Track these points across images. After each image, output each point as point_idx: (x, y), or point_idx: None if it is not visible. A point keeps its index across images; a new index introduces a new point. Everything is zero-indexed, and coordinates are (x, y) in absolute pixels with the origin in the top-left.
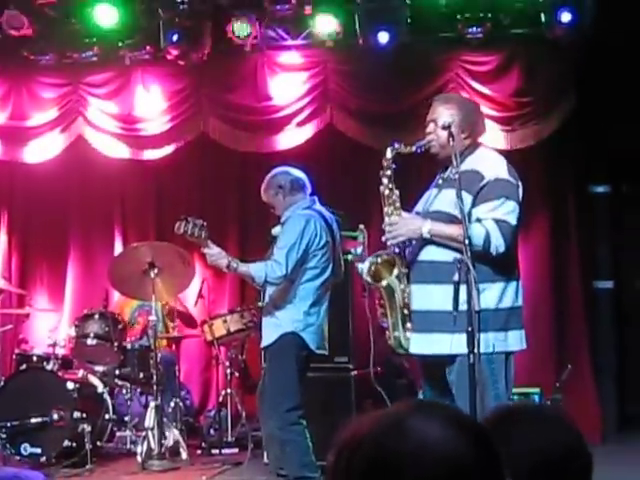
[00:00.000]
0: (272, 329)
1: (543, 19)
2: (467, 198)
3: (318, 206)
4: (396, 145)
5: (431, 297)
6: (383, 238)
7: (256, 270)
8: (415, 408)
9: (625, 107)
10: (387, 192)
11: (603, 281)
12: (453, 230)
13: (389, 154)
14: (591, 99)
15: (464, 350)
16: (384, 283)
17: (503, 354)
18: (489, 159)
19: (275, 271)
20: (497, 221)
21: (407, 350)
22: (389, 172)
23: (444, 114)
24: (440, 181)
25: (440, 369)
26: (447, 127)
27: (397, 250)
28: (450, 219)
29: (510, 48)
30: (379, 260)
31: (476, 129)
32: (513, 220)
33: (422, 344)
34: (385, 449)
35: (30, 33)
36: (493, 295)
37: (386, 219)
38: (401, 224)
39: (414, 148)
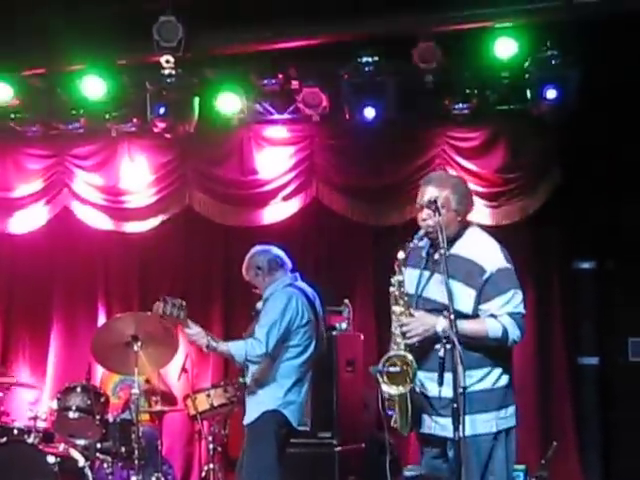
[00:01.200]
0: (254, 407)
1: (529, 96)
2: (467, 291)
3: (300, 283)
4: (400, 255)
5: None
6: (395, 331)
7: (236, 349)
8: None
9: (610, 183)
10: (397, 293)
11: (588, 357)
12: (467, 326)
13: (401, 255)
14: (575, 176)
15: (467, 432)
16: (398, 393)
17: (503, 431)
18: (483, 246)
19: (255, 349)
20: (511, 315)
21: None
22: (400, 277)
23: (437, 195)
24: (430, 263)
25: (441, 444)
26: (433, 202)
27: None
28: (455, 313)
29: (496, 124)
30: (397, 370)
31: (468, 210)
32: (524, 309)
33: (434, 425)
34: None
35: (17, 103)
36: (492, 376)
37: (395, 318)
38: (416, 324)
39: (416, 242)
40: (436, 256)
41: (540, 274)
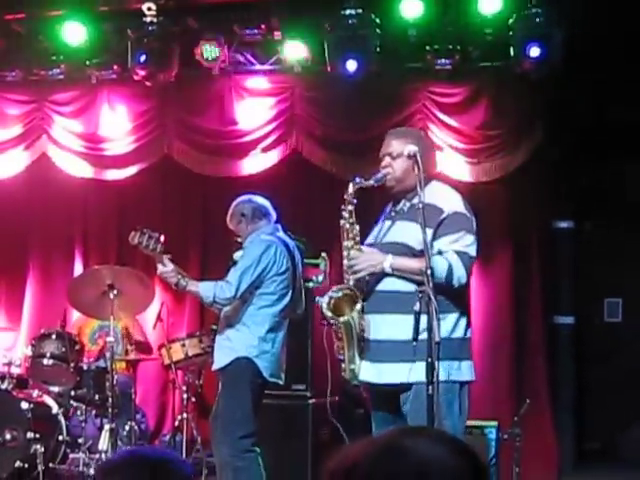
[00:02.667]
0: (225, 352)
1: (512, 53)
2: (427, 231)
3: (281, 233)
4: (357, 180)
5: (388, 327)
6: (344, 274)
7: (205, 289)
8: (405, 432)
9: (593, 144)
10: (347, 226)
11: (564, 316)
12: (414, 263)
13: (351, 189)
14: (557, 134)
15: (421, 379)
16: (343, 319)
17: (457, 383)
18: (445, 192)
19: (225, 292)
20: (459, 253)
21: (362, 381)
22: (350, 207)
23: (401, 147)
24: (392, 213)
25: (393, 398)
26: (413, 156)
27: (355, 284)
28: (407, 251)
29: (478, 81)
30: (340, 295)
31: (431, 163)
32: (473, 252)
33: (378, 373)
34: (385, 470)
35: None
36: (447, 325)
37: (345, 253)
38: (362, 259)
39: (372, 181)
40: (398, 207)
41: (519, 232)
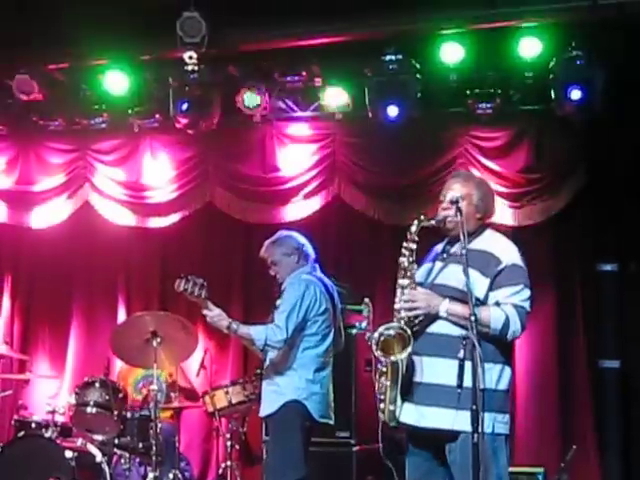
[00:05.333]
0: (273, 397)
1: (553, 96)
2: (482, 280)
3: (319, 273)
4: (422, 218)
5: (436, 370)
6: (397, 306)
7: (257, 333)
8: None
9: (634, 185)
10: (406, 264)
11: (609, 360)
12: (473, 309)
13: (415, 227)
14: (600, 177)
15: (467, 428)
16: (394, 359)
17: (503, 436)
18: (502, 243)
19: (276, 334)
20: (516, 307)
21: (402, 423)
22: (413, 245)
23: (460, 191)
24: (444, 255)
25: (432, 444)
26: (455, 202)
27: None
28: (459, 295)
29: (520, 124)
30: (392, 333)
31: (489, 211)
32: (529, 307)
33: (420, 416)
34: None
35: (40, 98)
36: (494, 375)
37: (399, 291)
38: (421, 298)
39: (433, 222)
40: (452, 250)
41: (562, 276)
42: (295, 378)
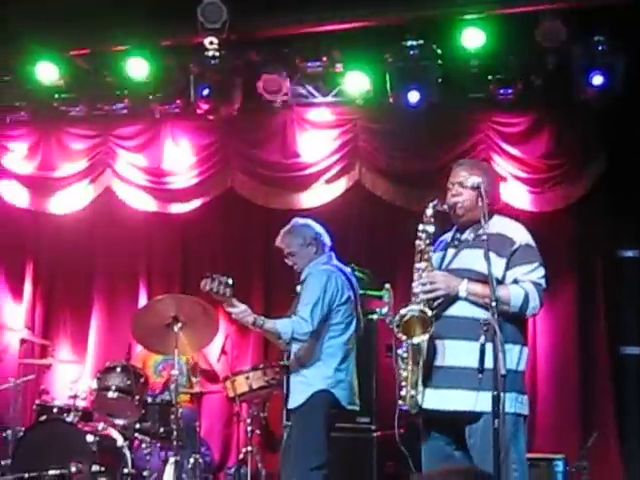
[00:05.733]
0: (302, 389)
1: (574, 81)
2: (498, 260)
3: (336, 261)
4: (436, 202)
5: (457, 353)
6: (416, 290)
7: (283, 326)
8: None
9: None
10: (423, 247)
11: (630, 347)
12: (489, 290)
13: (430, 210)
14: (621, 162)
15: (489, 409)
16: (415, 341)
17: (522, 417)
18: (512, 225)
19: (302, 327)
20: (534, 284)
21: (423, 409)
22: (429, 228)
23: (470, 177)
24: (456, 242)
25: (453, 428)
26: (477, 187)
27: (428, 305)
28: (476, 277)
29: (541, 110)
30: (416, 314)
31: (496, 197)
32: (544, 284)
33: (442, 400)
34: None
35: (61, 84)
36: (514, 357)
37: (417, 275)
38: (440, 280)
39: (445, 207)
40: (463, 237)
41: (583, 262)
42: (323, 368)
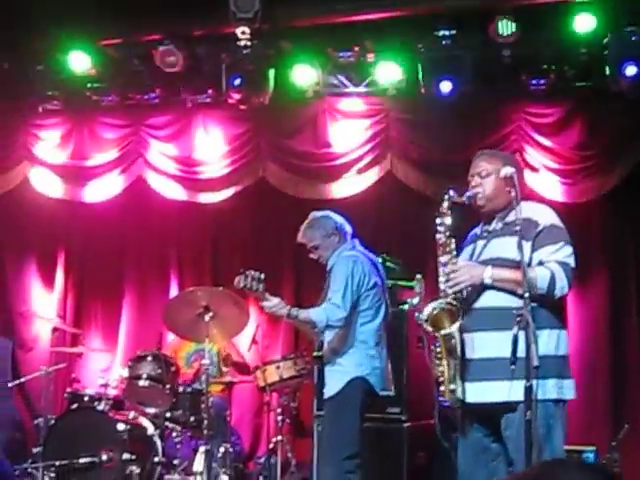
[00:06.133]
0: (338, 377)
1: (607, 72)
2: (524, 244)
3: (360, 247)
4: (452, 193)
5: (488, 344)
6: (442, 286)
7: (317, 315)
8: (552, 465)
9: None
10: (444, 240)
11: None
12: (515, 273)
13: (446, 203)
14: None
15: (521, 398)
16: (444, 332)
17: (561, 402)
18: (537, 208)
19: (336, 313)
20: (560, 263)
21: (464, 403)
22: (447, 220)
23: (491, 167)
24: (485, 233)
25: (491, 421)
26: (510, 177)
27: (455, 298)
28: (507, 264)
29: (573, 101)
30: (443, 306)
31: (520, 185)
32: (573, 263)
33: (480, 392)
34: None
35: (93, 73)
36: (551, 341)
37: (441, 269)
38: (463, 271)
39: (464, 198)
40: (490, 227)
41: (615, 254)
42: (356, 355)
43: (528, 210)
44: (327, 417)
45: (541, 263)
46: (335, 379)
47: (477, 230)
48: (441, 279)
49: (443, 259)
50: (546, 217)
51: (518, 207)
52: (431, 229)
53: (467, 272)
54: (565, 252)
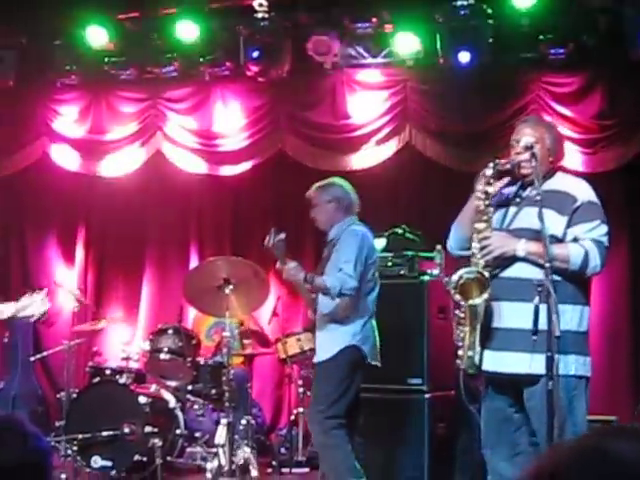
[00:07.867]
0: (333, 343)
1: (627, 40)
2: (560, 219)
3: (360, 223)
4: (497, 161)
5: (513, 315)
6: (474, 250)
7: (331, 281)
8: (605, 434)
9: None
10: (482, 207)
11: None
12: (550, 249)
13: (490, 170)
14: None
15: (543, 371)
16: (472, 302)
17: (584, 379)
18: (575, 182)
19: (348, 282)
20: (595, 241)
21: (480, 370)
22: (489, 188)
23: (533, 135)
24: (518, 199)
25: (511, 390)
26: (530, 148)
27: (486, 267)
28: (535, 236)
29: (593, 69)
30: (472, 276)
31: (560, 153)
32: (607, 242)
33: (500, 362)
34: (592, 477)
35: (111, 47)
36: (575, 317)
37: (476, 235)
38: (497, 240)
39: (509, 166)
40: (525, 194)
41: (635, 224)
42: (354, 324)
43: (566, 183)
44: (316, 379)
45: (575, 240)
46: (329, 344)
47: (511, 191)
48: (475, 245)
49: (479, 226)
50: (584, 193)
51: (538, 180)
52: (449, 200)
53: (500, 241)
54: (600, 231)
